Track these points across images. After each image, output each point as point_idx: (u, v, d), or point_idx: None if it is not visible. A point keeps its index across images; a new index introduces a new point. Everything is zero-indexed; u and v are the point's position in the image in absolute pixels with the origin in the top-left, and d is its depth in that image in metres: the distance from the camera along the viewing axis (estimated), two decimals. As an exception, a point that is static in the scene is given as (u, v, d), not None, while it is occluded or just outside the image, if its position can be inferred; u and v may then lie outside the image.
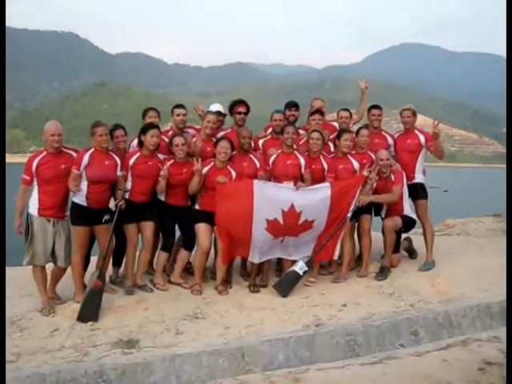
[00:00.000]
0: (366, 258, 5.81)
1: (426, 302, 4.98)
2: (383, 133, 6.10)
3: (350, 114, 6.16)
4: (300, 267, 5.31)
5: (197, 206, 5.41)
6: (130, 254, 5.25)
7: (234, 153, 5.44)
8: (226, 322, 4.61)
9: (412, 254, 6.34)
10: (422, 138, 5.88)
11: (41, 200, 4.78)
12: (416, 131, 5.96)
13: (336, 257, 5.61)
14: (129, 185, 5.16)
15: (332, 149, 5.84)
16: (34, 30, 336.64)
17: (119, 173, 5.04)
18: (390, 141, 6.04)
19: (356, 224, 5.83)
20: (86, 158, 4.84)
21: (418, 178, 5.94)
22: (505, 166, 6.07)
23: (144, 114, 5.67)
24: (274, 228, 5.25)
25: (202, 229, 5.29)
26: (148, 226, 5.24)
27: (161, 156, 5.34)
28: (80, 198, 4.85)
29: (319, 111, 5.98)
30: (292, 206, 5.23)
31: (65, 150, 4.94)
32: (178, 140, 5.26)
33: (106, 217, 4.96)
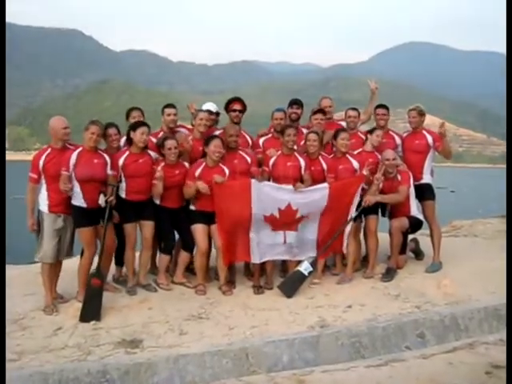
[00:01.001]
0: (372, 259, 5.76)
1: (433, 304, 4.93)
2: (391, 132, 6.06)
3: (359, 114, 6.11)
4: (305, 268, 5.29)
5: (192, 207, 5.36)
6: (128, 254, 5.23)
7: (223, 151, 5.41)
8: (230, 323, 4.59)
9: (419, 255, 6.29)
10: (429, 139, 5.83)
11: (50, 197, 4.79)
12: (424, 131, 5.91)
13: (345, 250, 5.59)
14: (123, 184, 5.10)
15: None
16: (37, 27, 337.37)
17: (109, 171, 4.94)
18: (398, 140, 5.99)
19: (362, 225, 5.81)
20: (73, 158, 4.77)
21: (426, 178, 5.89)
22: (514, 166, 6.01)
23: (128, 115, 5.58)
24: (271, 221, 5.28)
25: (198, 230, 5.26)
26: (147, 226, 5.20)
27: (153, 154, 5.26)
28: (79, 201, 4.82)
29: (321, 110, 5.92)
30: (289, 205, 5.25)
31: (69, 146, 4.92)
32: (171, 143, 5.18)
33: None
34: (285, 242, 5.38)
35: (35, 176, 4.80)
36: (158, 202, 5.29)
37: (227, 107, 5.84)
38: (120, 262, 5.46)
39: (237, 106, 5.80)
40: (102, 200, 4.80)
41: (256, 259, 5.38)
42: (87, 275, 4.87)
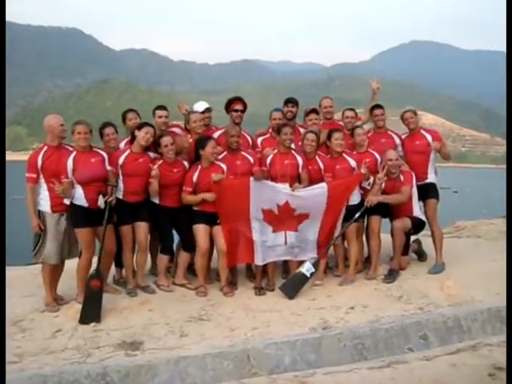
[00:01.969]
0: (375, 260, 5.73)
1: (436, 306, 4.90)
2: (389, 132, 6.02)
3: (356, 114, 6.08)
4: (307, 269, 5.26)
5: (194, 207, 5.32)
6: (126, 256, 5.20)
7: (225, 153, 5.38)
8: (231, 324, 4.56)
9: (421, 256, 6.25)
10: (429, 138, 5.81)
11: (51, 196, 4.74)
12: (422, 131, 5.91)
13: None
14: (121, 184, 5.07)
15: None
16: (37, 26, 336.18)
17: (108, 167, 4.93)
18: (397, 140, 5.96)
19: (365, 225, 5.78)
20: (70, 163, 4.74)
21: (431, 178, 5.87)
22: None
23: (124, 117, 5.54)
24: (270, 218, 5.27)
25: (199, 230, 5.23)
26: (141, 228, 5.15)
27: (152, 154, 5.25)
28: (81, 201, 4.79)
29: (315, 110, 5.89)
30: (287, 202, 5.25)
31: (64, 144, 4.90)
32: (167, 140, 5.15)
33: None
34: (286, 242, 5.36)
35: (34, 175, 4.73)
36: (156, 201, 5.26)
37: (228, 107, 5.80)
38: (120, 264, 5.42)
39: (238, 106, 5.77)
40: (101, 201, 4.77)
41: (259, 261, 5.35)
42: (86, 276, 4.83)
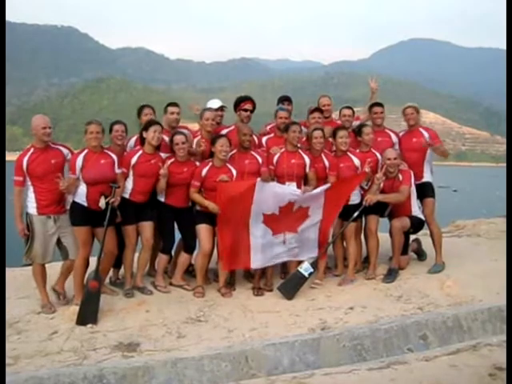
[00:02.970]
0: (374, 260, 5.71)
1: (436, 306, 4.88)
2: (387, 130, 6.00)
3: (353, 112, 6.06)
4: (305, 269, 5.23)
5: (198, 207, 5.30)
6: (127, 256, 5.16)
7: (234, 151, 5.33)
8: (229, 325, 4.54)
9: (421, 255, 6.23)
10: (426, 136, 5.79)
11: (38, 199, 4.68)
12: (420, 129, 5.88)
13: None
14: (130, 184, 5.05)
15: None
16: (32, 24, 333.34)
17: (118, 170, 4.91)
18: (395, 139, 5.94)
19: (363, 225, 5.75)
20: (79, 161, 4.72)
21: (427, 177, 5.85)
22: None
23: (139, 112, 5.53)
24: (270, 221, 5.22)
25: (203, 230, 5.19)
26: (147, 227, 5.13)
27: (163, 154, 5.23)
28: (81, 199, 4.75)
29: (319, 109, 5.86)
30: (289, 202, 5.23)
31: (53, 145, 4.83)
32: (179, 138, 5.12)
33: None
34: (284, 242, 5.32)
35: (20, 179, 4.66)
36: (162, 199, 5.23)
37: (237, 106, 5.74)
38: (117, 264, 5.37)
39: (248, 106, 5.72)
40: (102, 202, 4.73)
41: (257, 265, 5.32)
42: (83, 276, 4.81)
